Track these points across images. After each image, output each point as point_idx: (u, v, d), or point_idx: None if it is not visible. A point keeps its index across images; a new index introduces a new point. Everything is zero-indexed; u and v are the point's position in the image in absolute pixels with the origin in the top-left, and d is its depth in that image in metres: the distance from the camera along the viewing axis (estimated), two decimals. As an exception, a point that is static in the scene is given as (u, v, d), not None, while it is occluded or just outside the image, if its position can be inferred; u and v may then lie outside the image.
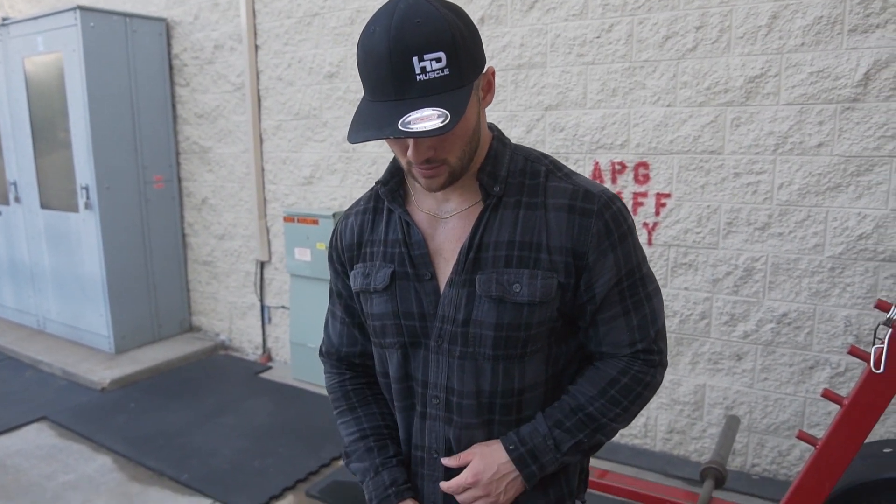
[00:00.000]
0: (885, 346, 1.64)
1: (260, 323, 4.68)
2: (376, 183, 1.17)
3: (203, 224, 4.87)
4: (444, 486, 1.13)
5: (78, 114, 4.38)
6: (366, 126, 0.94)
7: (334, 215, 3.90)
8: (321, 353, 1.35)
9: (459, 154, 1.02)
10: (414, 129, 0.91)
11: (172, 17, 4.70)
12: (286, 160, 4.26)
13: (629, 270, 1.09)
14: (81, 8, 4.25)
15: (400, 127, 0.91)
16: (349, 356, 1.29)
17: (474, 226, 1.08)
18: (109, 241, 4.54)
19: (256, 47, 4.24)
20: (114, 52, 4.44)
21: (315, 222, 3.95)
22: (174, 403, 4.04)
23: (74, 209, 4.63)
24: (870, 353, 1.68)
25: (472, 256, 1.07)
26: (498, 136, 1.13)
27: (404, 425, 1.19)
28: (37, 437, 3.71)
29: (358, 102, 3.91)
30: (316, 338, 4.11)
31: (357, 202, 1.24)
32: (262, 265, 4.57)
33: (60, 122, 4.54)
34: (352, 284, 1.20)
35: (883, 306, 1.67)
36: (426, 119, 0.91)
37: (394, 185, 1.16)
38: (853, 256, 2.65)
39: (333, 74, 3.91)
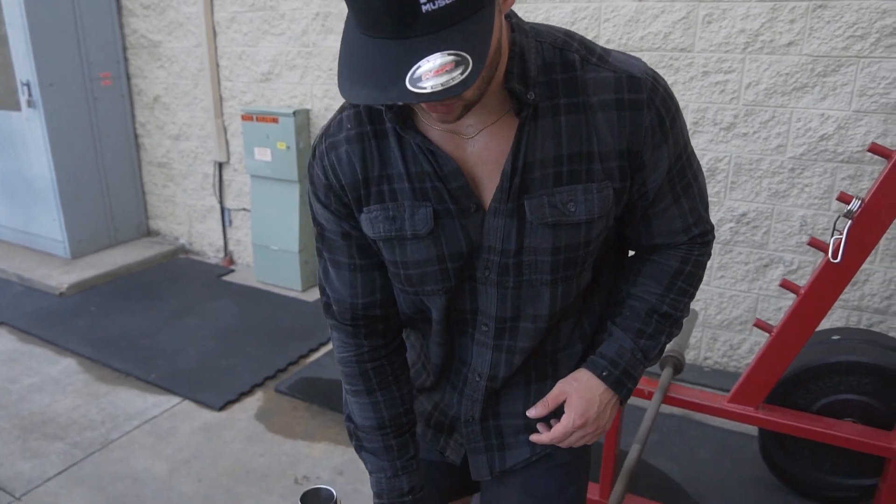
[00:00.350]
0: (844, 237, 1.70)
1: (220, 226, 4.60)
2: None
3: (156, 124, 4.67)
4: (548, 437, 1.04)
5: (12, 4, 4.07)
6: (361, 78, 0.72)
7: (295, 113, 3.77)
8: (326, 313, 1.11)
9: (479, 85, 0.80)
10: (427, 90, 0.69)
11: None
12: (242, 55, 4.07)
13: (678, 155, 0.97)
14: None
15: (408, 86, 0.69)
16: (368, 309, 1.07)
17: (514, 145, 0.90)
18: (57, 142, 4.34)
19: (205, -69, 3.95)
20: (47, -67, 4.09)
21: (275, 121, 3.82)
22: (136, 307, 4.00)
23: (16, 107, 4.38)
24: (828, 245, 1.74)
25: (518, 181, 0.91)
26: (516, 24, 0.89)
27: (447, 343, 1.10)
28: (-4, 341, 3.66)
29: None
30: (278, 240, 4.07)
31: (338, 125, 0.97)
32: (221, 166, 4.45)
33: (-7, 12, 4.22)
34: (369, 232, 0.98)
35: (844, 198, 1.71)
36: (441, 71, 0.69)
37: (400, 110, 0.91)
38: (813, 157, 2.70)
39: (290, -38, 3.69)
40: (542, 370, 1.11)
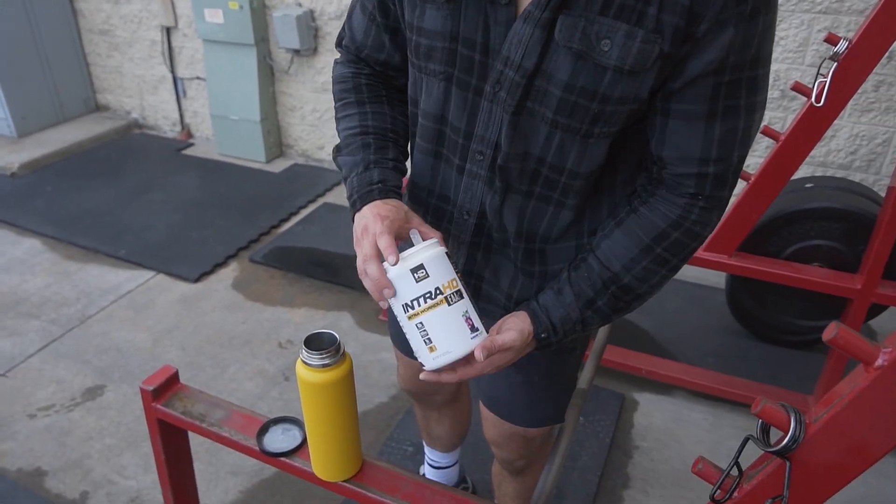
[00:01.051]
0: (828, 80, 1.68)
1: (174, 97, 4.37)
2: None
3: (92, -14, 4.30)
4: (490, 343, 0.92)
5: None
6: None
7: (245, -30, 3.49)
8: (338, 44, 1.12)
9: None
10: None
11: None
12: None
13: (740, 61, 0.80)
14: None
15: None
16: (370, 60, 1.08)
17: None
18: (-16, 8, 3.97)
19: None
20: None
21: (224, -22, 3.54)
22: (94, 184, 3.86)
23: (-69, -31, 3.96)
24: (811, 88, 1.72)
25: None
26: None
27: (429, 172, 1.05)
28: (-50, 224, 3.53)
29: None
30: (238, 109, 3.90)
31: None
32: (169, 31, 4.16)
33: None
34: None
35: (832, 40, 1.67)
36: None
37: None
38: (791, 8, 2.62)
39: None
40: (530, 258, 1.04)
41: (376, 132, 1.05)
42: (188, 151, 4.28)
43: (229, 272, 3.01)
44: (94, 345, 2.57)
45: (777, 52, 2.69)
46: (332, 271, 2.95)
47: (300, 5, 3.54)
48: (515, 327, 0.96)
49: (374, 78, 1.09)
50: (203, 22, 3.73)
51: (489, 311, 1.11)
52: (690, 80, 0.81)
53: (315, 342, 1.00)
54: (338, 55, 1.13)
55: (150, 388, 1.27)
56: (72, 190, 3.79)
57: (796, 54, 2.68)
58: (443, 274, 0.90)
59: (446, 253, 0.92)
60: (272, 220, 3.37)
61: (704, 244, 2.03)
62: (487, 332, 0.95)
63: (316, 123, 3.91)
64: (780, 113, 2.82)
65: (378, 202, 0.96)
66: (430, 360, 0.91)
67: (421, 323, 0.89)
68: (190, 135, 4.45)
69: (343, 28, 1.10)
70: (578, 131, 0.88)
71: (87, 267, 3.09)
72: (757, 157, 2.87)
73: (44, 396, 2.33)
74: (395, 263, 0.88)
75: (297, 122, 3.97)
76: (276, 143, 4.07)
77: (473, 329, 0.91)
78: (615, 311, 0.97)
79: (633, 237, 0.92)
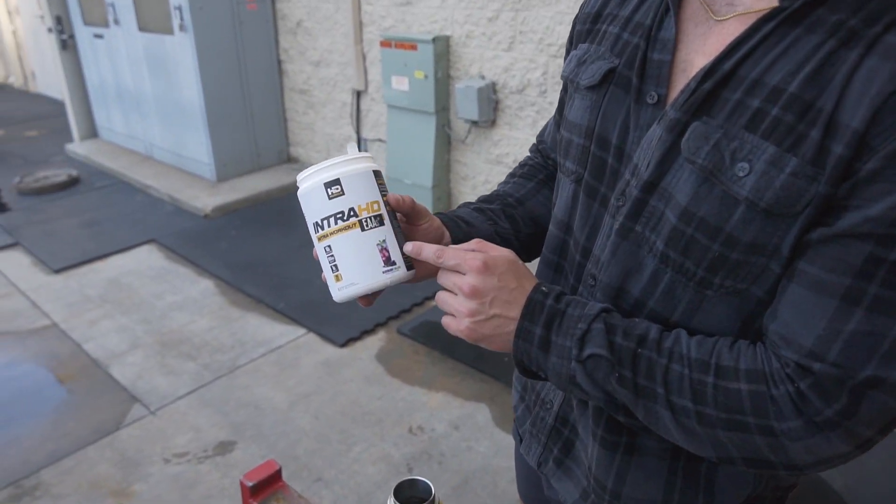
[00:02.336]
0: None
1: (356, 156, 4.53)
2: None
3: (298, 49, 4.63)
4: (426, 251, 0.74)
5: (166, -76, 4.10)
6: None
7: (434, 40, 3.54)
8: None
9: None
10: None
11: None
12: (383, -23, 3.86)
13: None
14: None
15: None
16: (546, 153, 1.01)
17: (737, 40, 0.62)
18: (205, 66, 4.41)
19: None
20: None
21: (413, 47, 3.62)
22: (272, 232, 4.06)
23: (170, 31, 4.48)
24: None
25: (708, 88, 0.62)
26: None
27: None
28: (147, 257, 3.86)
29: None
30: (413, 174, 3.93)
31: None
32: (359, 95, 4.34)
33: (150, -66, 4.29)
34: (564, 66, 0.84)
35: None
36: None
37: None
38: None
39: None
40: (612, 428, 0.77)
41: (501, 194, 0.97)
42: (362, 209, 4.39)
43: (376, 341, 2.95)
44: (236, 397, 2.60)
45: None
46: (477, 355, 2.78)
47: (483, 77, 3.51)
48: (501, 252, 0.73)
49: (541, 166, 1.01)
50: (390, 88, 3.83)
51: (574, 475, 0.87)
52: (836, 235, 0.56)
53: (406, 490, 0.83)
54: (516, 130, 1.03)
55: (250, 483, 1.17)
56: (251, 236, 4.01)
57: None
58: (362, 193, 0.76)
59: (376, 171, 0.78)
60: (427, 291, 3.29)
61: None
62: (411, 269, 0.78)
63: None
64: None
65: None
66: (336, 290, 0.78)
67: (329, 246, 0.77)
68: (366, 193, 4.57)
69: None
70: (693, 276, 0.65)
71: (248, 315, 3.19)
72: None
73: (181, 442, 2.36)
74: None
75: (468, 191, 3.91)
76: (445, 210, 4.03)
77: (389, 262, 0.76)
78: (623, 368, 0.65)
79: (706, 349, 0.64)
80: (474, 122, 3.59)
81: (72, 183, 5.08)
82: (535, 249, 0.95)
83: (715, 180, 0.61)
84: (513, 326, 0.70)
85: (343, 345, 2.90)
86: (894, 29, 0.54)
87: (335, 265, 0.77)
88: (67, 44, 5.70)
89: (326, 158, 4.73)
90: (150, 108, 5.09)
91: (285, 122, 4.99)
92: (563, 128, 0.82)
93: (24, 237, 4.13)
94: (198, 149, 4.74)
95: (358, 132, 4.44)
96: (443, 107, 3.73)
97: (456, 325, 0.72)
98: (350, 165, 0.77)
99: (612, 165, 0.73)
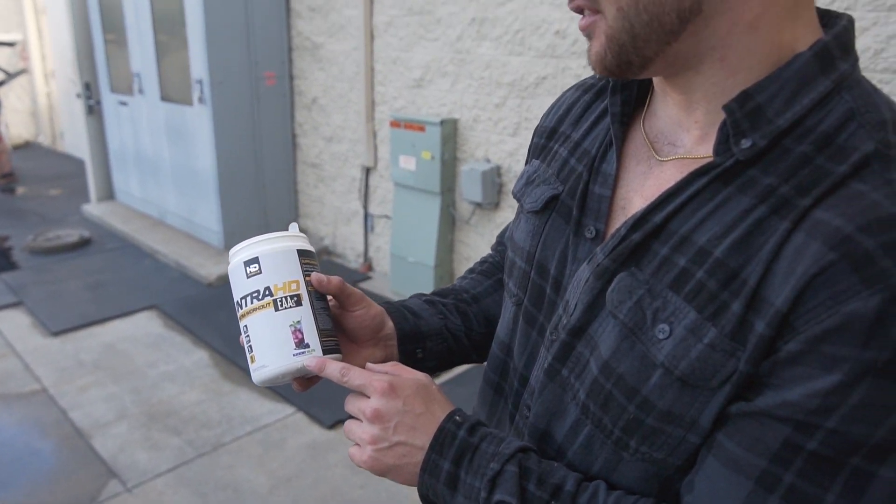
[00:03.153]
0: None
1: (363, 231, 4.56)
2: None
3: (312, 125, 4.73)
4: (325, 367, 0.71)
5: (193, 7, 4.28)
6: None
7: (442, 123, 3.60)
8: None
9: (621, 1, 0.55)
10: None
11: None
12: (396, 60, 3.97)
13: (848, 437, 0.49)
14: None
15: None
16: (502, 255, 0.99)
17: (670, 190, 0.59)
18: (221, 136, 4.52)
19: (372, -67, 3.90)
20: (229, -63, 4.25)
21: (421, 129, 3.68)
22: (274, 305, 4.04)
23: (190, 102, 4.62)
24: None
25: (637, 239, 0.60)
26: (829, 44, 0.56)
27: (487, 408, 0.83)
28: (147, 324, 3.85)
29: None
30: (416, 252, 3.93)
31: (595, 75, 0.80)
32: (368, 171, 4.40)
33: (179, 16, 4.47)
34: (516, 181, 0.83)
35: None
36: None
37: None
38: None
39: (451, -35, 3.52)
40: None
41: (456, 289, 0.94)
42: (364, 284, 4.38)
43: (365, 423, 2.88)
44: (216, 477, 2.52)
45: None
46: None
47: (488, 161, 3.55)
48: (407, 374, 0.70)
49: (500, 265, 0.99)
50: (397, 167, 3.88)
51: None
52: (754, 413, 0.52)
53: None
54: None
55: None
56: (252, 307, 4.00)
57: None
58: (280, 273, 0.74)
59: (301, 250, 0.76)
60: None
61: None
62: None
63: (488, 275, 3.81)
64: None
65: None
66: (252, 371, 0.75)
67: (246, 326, 0.75)
68: (370, 268, 4.57)
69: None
70: (610, 434, 0.61)
71: (239, 390, 3.14)
72: None
73: (154, 525, 2.28)
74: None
75: (470, 270, 3.90)
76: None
77: (301, 344, 0.73)
78: None
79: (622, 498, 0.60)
80: (478, 204, 3.61)
81: (83, 244, 5.14)
82: (487, 351, 0.92)
83: (635, 339, 0.58)
84: (419, 457, 0.65)
85: (331, 426, 2.83)
86: (824, 203, 0.51)
87: (250, 345, 0.75)
88: (94, 109, 5.89)
89: (333, 232, 4.78)
90: (167, 174, 5.19)
91: (296, 195, 5.05)
92: (510, 247, 0.80)
93: (28, 296, 4.15)
94: (208, 216, 4.80)
95: (365, 208, 4.48)
96: (448, 187, 3.76)
97: (359, 455, 0.68)
98: (272, 244, 0.76)
99: (550, 296, 0.71)
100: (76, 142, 8.36)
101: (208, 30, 4.27)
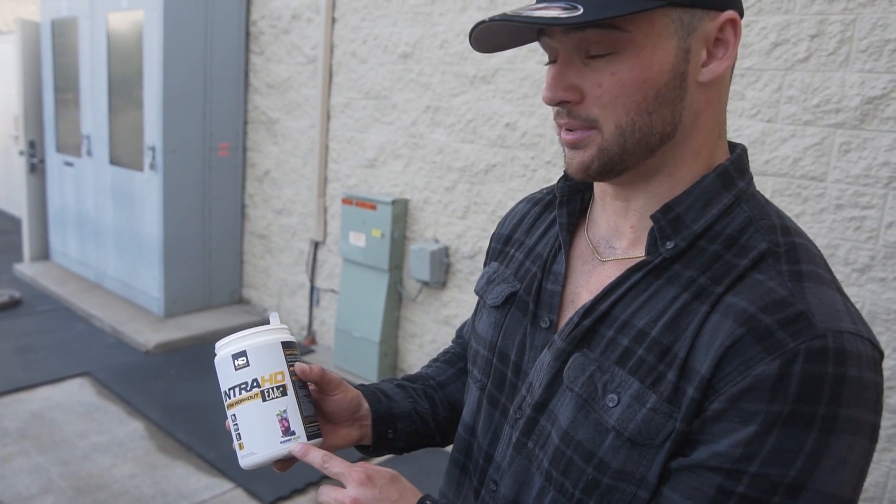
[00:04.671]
0: None
1: (308, 304, 4.58)
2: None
3: (263, 196, 4.80)
4: (311, 456, 0.79)
5: (152, 74, 4.36)
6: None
7: (393, 202, 3.73)
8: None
9: (619, 116, 0.67)
10: (521, 14, 0.63)
11: (255, -17, 4.62)
12: (351, 140, 4.12)
13: (767, 480, 0.59)
14: (166, -33, 4.21)
15: (507, 11, 0.66)
16: (466, 348, 1.07)
17: (611, 284, 0.73)
18: (170, 204, 4.52)
19: (334, 20, 4.11)
20: (193, 14, 4.39)
21: (373, 207, 3.80)
22: (214, 375, 3.96)
23: (140, 168, 4.63)
24: None
25: (587, 325, 0.72)
26: (728, 167, 0.72)
27: (454, 487, 0.91)
28: (78, 391, 3.72)
29: (430, 87, 3.77)
30: (361, 327, 3.97)
31: (543, 189, 0.96)
32: (317, 245, 4.46)
33: (136, 81, 4.53)
34: (477, 280, 0.95)
35: None
36: (547, 8, 0.64)
37: (581, 185, 0.84)
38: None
39: (408, 55, 3.73)
40: None
41: (423, 376, 1.04)
42: (308, 357, 4.36)
43: (306, 501, 2.84)
44: (148, 557, 2.43)
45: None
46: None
47: (437, 241, 3.68)
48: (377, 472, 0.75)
49: (461, 356, 1.08)
50: (347, 243, 3.97)
51: None
52: (691, 466, 0.64)
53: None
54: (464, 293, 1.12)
55: None
56: (191, 377, 3.92)
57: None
58: (267, 365, 0.81)
59: (285, 342, 0.83)
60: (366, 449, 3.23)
61: None
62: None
63: (432, 353, 3.87)
64: (955, 439, 2.37)
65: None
66: (240, 457, 0.82)
67: (234, 415, 0.81)
68: (314, 341, 4.57)
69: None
70: (571, 497, 0.71)
71: (175, 464, 3.06)
72: (926, 486, 2.37)
73: None
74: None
75: (415, 349, 3.96)
76: (391, 366, 4.05)
77: (288, 432, 0.79)
78: None
79: None
80: (426, 283, 3.71)
81: (12, 305, 4.96)
82: (450, 435, 1.01)
83: (589, 408, 0.69)
84: None
85: (271, 503, 2.78)
86: (733, 290, 0.66)
87: (239, 433, 0.82)
88: (37, 167, 5.79)
89: (278, 303, 4.78)
90: (108, 238, 5.12)
91: (241, 265, 5.05)
92: (473, 338, 0.92)
93: (-50, 360, 3.96)
94: (149, 282, 4.73)
95: (312, 281, 4.52)
96: (396, 265, 3.86)
97: None
98: (258, 338, 0.83)
99: (511, 380, 0.82)
100: (11, 198, 8.12)
101: (166, 97, 4.34)
